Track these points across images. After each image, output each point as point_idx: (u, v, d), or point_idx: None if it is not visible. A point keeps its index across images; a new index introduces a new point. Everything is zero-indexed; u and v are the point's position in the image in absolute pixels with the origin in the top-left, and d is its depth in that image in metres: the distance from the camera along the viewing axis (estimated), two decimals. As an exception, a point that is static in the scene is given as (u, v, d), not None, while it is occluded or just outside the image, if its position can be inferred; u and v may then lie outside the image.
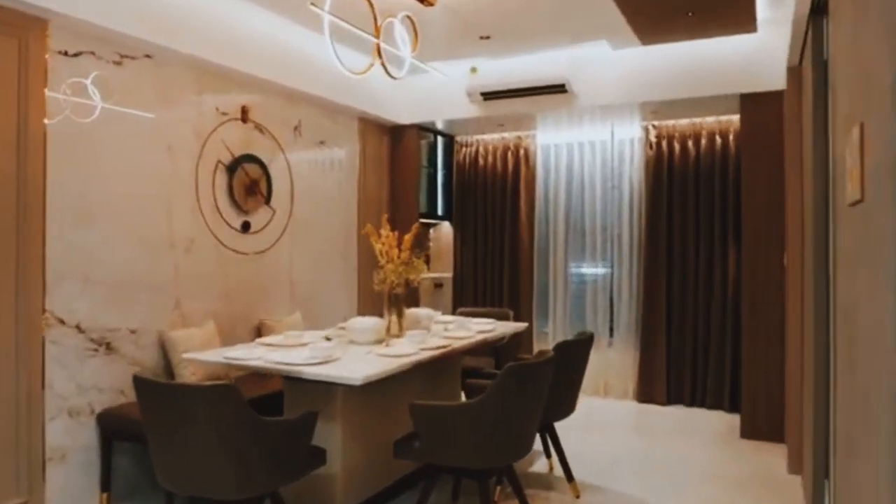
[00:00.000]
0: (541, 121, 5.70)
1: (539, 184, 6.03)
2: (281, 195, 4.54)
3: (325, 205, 5.00)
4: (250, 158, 4.24)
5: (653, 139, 5.53)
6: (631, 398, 5.66)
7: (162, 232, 3.69)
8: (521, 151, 6.04)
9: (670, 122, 5.49)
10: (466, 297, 6.23)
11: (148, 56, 3.59)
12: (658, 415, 5.23)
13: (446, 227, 6.40)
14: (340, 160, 5.18)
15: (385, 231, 3.64)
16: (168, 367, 3.63)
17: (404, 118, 5.68)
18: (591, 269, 5.86)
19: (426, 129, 5.92)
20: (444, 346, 3.26)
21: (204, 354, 3.09)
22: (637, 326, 5.66)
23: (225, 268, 4.10)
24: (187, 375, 3.58)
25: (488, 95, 5.17)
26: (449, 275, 6.30)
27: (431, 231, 6.43)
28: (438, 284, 6.08)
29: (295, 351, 3.04)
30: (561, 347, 3.32)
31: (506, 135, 6.11)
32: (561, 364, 3.17)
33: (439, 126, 5.95)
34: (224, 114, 4.09)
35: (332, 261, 5.08)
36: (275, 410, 3.23)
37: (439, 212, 6.27)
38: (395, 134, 5.81)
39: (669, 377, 5.46)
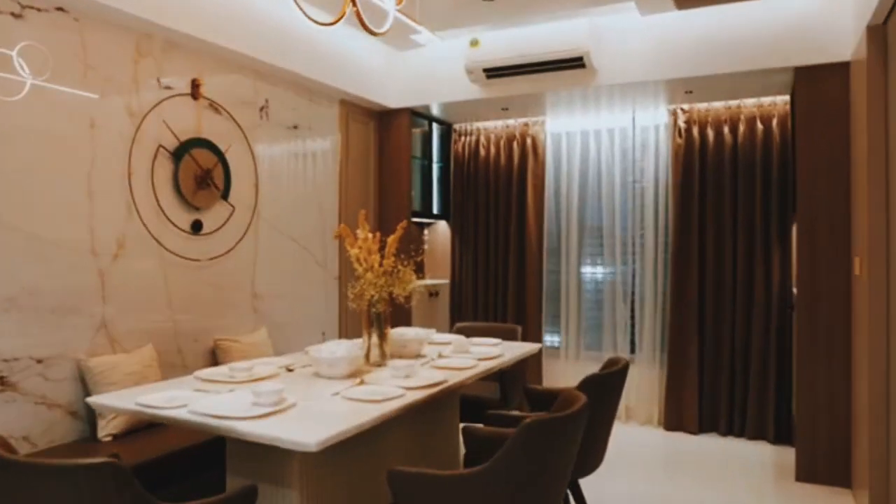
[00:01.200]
0: (551, 105, 4.93)
1: (549, 178, 5.27)
2: (242, 189, 3.76)
3: (298, 201, 4.23)
4: (201, 143, 3.47)
5: (682, 125, 4.76)
6: (656, 425, 4.90)
7: (80, 234, 2.91)
8: (529, 141, 5.27)
9: (703, 106, 4.73)
10: (466, 307, 5.46)
11: (60, 9, 2.82)
12: (689, 446, 4.46)
13: (443, 228, 5.64)
14: (318, 149, 4.41)
15: (363, 232, 2.87)
16: (90, 406, 2.86)
17: (394, 101, 4.91)
18: (609, 276, 5.09)
19: (419, 116, 5.16)
20: (436, 384, 2.49)
21: (109, 398, 2.31)
22: (663, 341, 4.90)
23: (168, 277, 3.32)
24: (105, 423, 2.81)
25: (492, 72, 4.40)
26: (446, 281, 5.53)
27: (426, 232, 5.66)
28: (433, 293, 5.31)
29: (237, 394, 2.27)
30: (591, 384, 2.56)
31: (510, 121, 5.35)
32: (589, 405, 2.40)
33: (434, 112, 5.19)
34: (168, 88, 3.32)
35: (306, 268, 4.31)
36: (219, 463, 2.47)
37: (435, 210, 5.50)
38: (384, 120, 5.04)
39: (702, 401, 4.70)
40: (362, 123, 4.88)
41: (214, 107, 3.58)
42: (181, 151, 3.35)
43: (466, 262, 5.47)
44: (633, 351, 5.03)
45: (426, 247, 5.65)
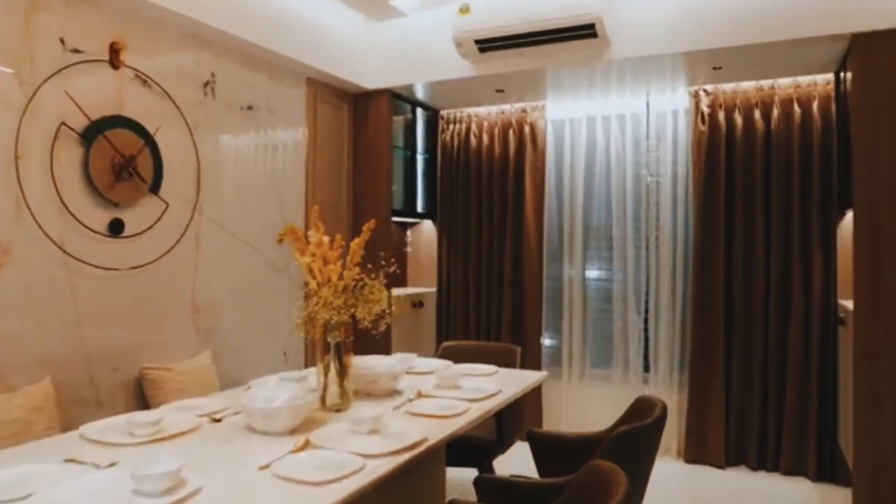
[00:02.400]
0: (552, 86, 4.26)
1: (550, 171, 4.59)
2: (179, 181, 3.06)
3: (253, 197, 3.53)
4: (122, 123, 2.77)
5: (705, 109, 4.10)
6: (675, 456, 4.23)
7: (-57, 236, 2.21)
8: (527, 129, 4.60)
9: (729, 87, 4.06)
10: (455, 320, 4.78)
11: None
12: (715, 483, 3.80)
13: (428, 228, 4.95)
14: (279, 135, 3.72)
15: (316, 234, 2.18)
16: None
17: (371, 81, 4.22)
18: (619, 284, 4.42)
19: (401, 99, 4.47)
20: (411, 447, 1.81)
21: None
22: (683, 359, 4.24)
23: (77, 291, 2.62)
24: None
25: (486, 44, 3.72)
26: (432, 289, 4.85)
27: (408, 233, 4.97)
28: (417, 303, 4.62)
29: (117, 474, 1.58)
30: (621, 443, 1.89)
31: (506, 107, 4.67)
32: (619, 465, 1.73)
33: (419, 95, 4.50)
34: (77, 51, 2.61)
35: (264, 276, 3.61)
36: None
37: (419, 207, 4.82)
38: (360, 103, 4.34)
39: (729, 429, 4.04)
40: (334, 107, 4.19)
41: (142, 79, 2.88)
42: (93, 132, 2.65)
43: (455, 268, 4.79)
44: (646, 369, 4.37)
45: (409, 250, 4.97)
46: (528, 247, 4.57)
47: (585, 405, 4.48)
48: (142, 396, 2.86)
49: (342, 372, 2.22)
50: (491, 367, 2.95)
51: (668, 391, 4.26)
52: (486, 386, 2.55)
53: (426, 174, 4.87)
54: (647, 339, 4.37)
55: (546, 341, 4.61)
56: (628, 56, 3.57)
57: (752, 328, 3.99)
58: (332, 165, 4.19)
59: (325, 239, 2.18)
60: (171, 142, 3.01)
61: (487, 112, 4.72)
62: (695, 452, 4.09)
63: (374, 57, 4.18)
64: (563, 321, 4.57)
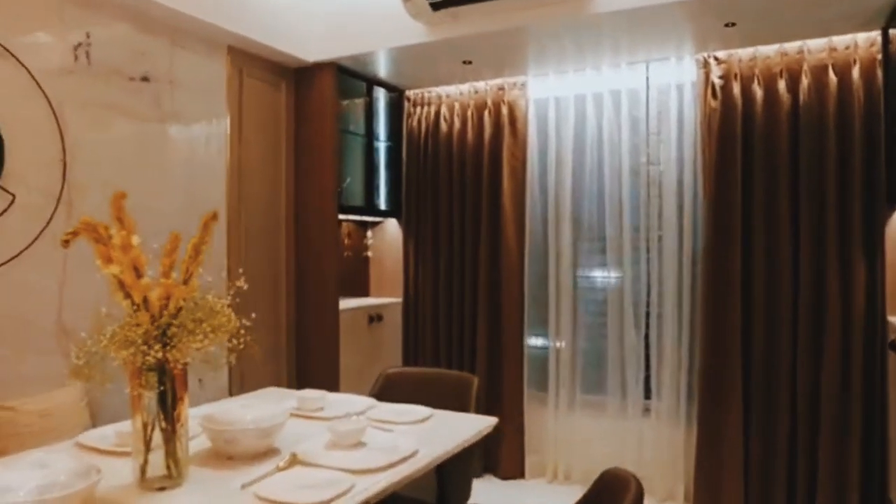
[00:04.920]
0: (534, 57, 3.55)
1: (532, 159, 3.86)
2: (33, 168, 2.41)
3: (151, 190, 2.87)
4: (-69, 89, 2.12)
5: (716, 81, 3.35)
6: (682, 502, 3.48)
7: None
8: (504, 110, 3.88)
9: (747, 53, 3.31)
10: (424, 335, 4.08)
11: None
12: (732, 545, 3.05)
13: (392, 228, 4.25)
14: (189, 114, 3.05)
15: (119, 234, 1.50)
16: None
17: (312, 52, 3.54)
18: (615, 294, 3.68)
19: (354, 76, 3.78)
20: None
21: None
22: (691, 385, 3.49)
23: None
24: None
25: (440, 2, 3.02)
26: (397, 300, 4.15)
27: (369, 234, 4.28)
28: (375, 317, 3.93)
29: None
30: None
31: (480, 85, 3.96)
32: None
33: (378, 72, 3.81)
34: None
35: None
36: None
37: (381, 204, 4.13)
38: (302, 80, 3.67)
39: (748, 473, 3.27)
40: (268, 83, 3.51)
41: (-29, 35, 2.23)
42: None
43: (424, 275, 4.09)
44: (647, 396, 3.62)
45: (370, 254, 4.28)
46: (506, 249, 3.85)
47: (576, 439, 3.75)
48: (-28, 445, 2.21)
49: (169, 431, 1.53)
50: (425, 410, 2.24)
51: (674, 424, 3.51)
52: (401, 443, 1.85)
53: (389, 165, 4.18)
54: (648, 361, 3.63)
55: (534, 344, 3.89)
56: (619, 7, 2.83)
57: (777, 351, 3.22)
58: (266, 155, 3.52)
59: (135, 240, 1.49)
60: (20, 118, 2.36)
61: (459, 92, 4.01)
62: (706, 499, 3.34)
63: (313, 23, 3.50)
64: (549, 337, 3.84)
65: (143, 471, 1.53)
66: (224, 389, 3.20)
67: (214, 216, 1.61)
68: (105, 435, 1.86)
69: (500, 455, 3.83)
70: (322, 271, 3.61)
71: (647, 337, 3.64)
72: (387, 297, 4.19)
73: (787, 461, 3.19)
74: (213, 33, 3.08)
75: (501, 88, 3.89)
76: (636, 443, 3.60)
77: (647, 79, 3.61)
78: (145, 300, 1.50)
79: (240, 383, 3.28)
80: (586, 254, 3.80)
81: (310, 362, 3.65)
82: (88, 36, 2.59)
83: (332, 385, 3.55)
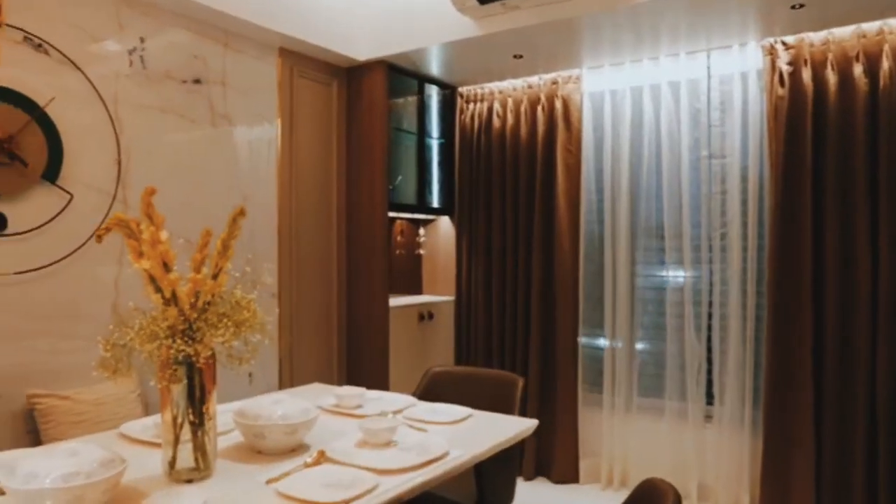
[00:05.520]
0: (588, 49, 3.44)
1: (587, 154, 3.75)
2: (90, 167, 2.51)
3: (206, 189, 2.95)
4: (-6, 94, 2.24)
5: (784, 67, 3.15)
6: (745, 516, 3.30)
7: None
8: (558, 104, 3.78)
9: (819, 37, 3.09)
10: (475, 335, 4.03)
11: None
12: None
13: (445, 226, 4.22)
14: (242, 116, 3.12)
15: (149, 229, 1.53)
16: None
17: (363, 50, 3.56)
18: (675, 294, 3.52)
19: (405, 73, 3.77)
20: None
21: None
22: (757, 389, 3.29)
23: (-66, 304, 2.11)
24: None
25: (487, -5, 2.97)
26: (450, 297, 4.12)
27: (421, 232, 4.26)
28: (426, 314, 3.90)
29: None
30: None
31: (533, 80, 3.87)
32: None
33: (431, 69, 3.79)
34: (-67, 6, 2.11)
35: (220, 282, 3.00)
36: None
37: (434, 202, 4.11)
38: (354, 79, 3.69)
39: (821, 483, 3.06)
40: (320, 83, 3.55)
41: (33, 41, 2.34)
42: (-48, 106, 2.13)
43: (477, 272, 4.04)
44: (709, 402, 3.44)
45: (423, 252, 4.26)
46: (561, 247, 3.75)
47: (633, 443, 3.61)
48: (35, 432, 2.32)
49: (198, 424, 1.56)
50: (463, 410, 2.20)
51: (738, 430, 3.33)
52: (433, 444, 1.81)
53: (442, 163, 4.15)
54: (710, 364, 3.45)
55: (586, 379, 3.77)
56: (672, -6, 2.71)
57: (853, 353, 2.99)
58: (318, 155, 3.56)
59: (163, 235, 1.52)
60: (78, 120, 2.46)
61: (512, 87, 3.93)
62: (772, 513, 3.14)
63: (363, 22, 3.51)
64: (605, 339, 3.72)
65: (171, 463, 1.55)
66: (274, 385, 3.25)
67: (242, 212, 1.62)
68: (146, 426, 1.91)
69: (553, 458, 3.74)
70: (372, 269, 3.62)
71: (709, 339, 3.46)
72: (440, 294, 4.16)
73: (864, 471, 2.95)
74: (264, 35, 3.13)
75: (555, 82, 3.79)
76: (697, 450, 3.43)
77: (709, 68, 3.43)
78: (174, 294, 1.52)
79: (290, 379, 3.34)
80: (644, 251, 3.65)
81: (360, 359, 3.67)
82: (143, 41, 2.68)
83: (382, 382, 3.55)
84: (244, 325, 1.53)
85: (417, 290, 4.22)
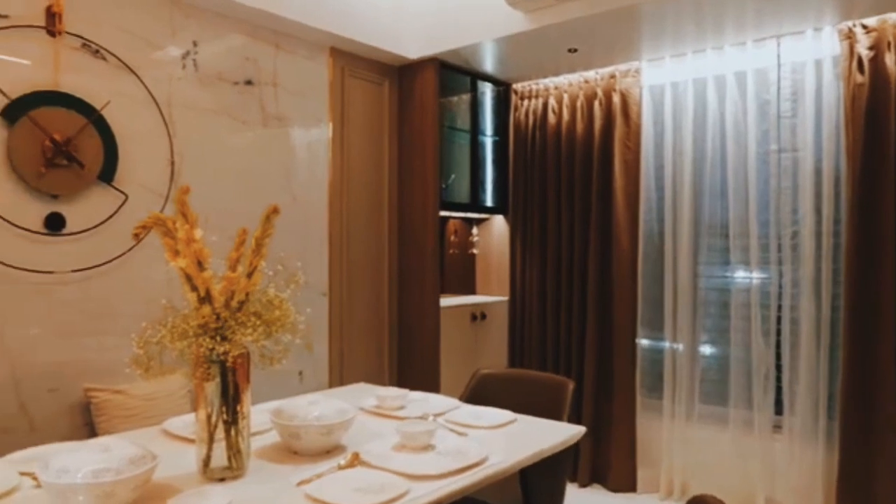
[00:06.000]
0: (648, 40, 3.29)
1: (646, 150, 3.60)
2: (144, 168, 2.58)
3: (257, 188, 2.98)
4: (54, 99, 2.32)
5: (863, 53, 2.92)
6: (818, 534, 3.08)
7: None
8: (616, 99, 3.64)
9: (900, 18, 2.86)
10: (530, 336, 3.94)
11: None
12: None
13: (499, 225, 4.15)
14: (292, 116, 3.15)
15: (183, 227, 1.53)
16: None
17: (413, 48, 3.53)
18: (741, 296, 3.33)
19: (457, 70, 3.72)
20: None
21: None
22: (832, 399, 3.07)
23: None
24: None
25: (537, -13, 2.88)
26: (503, 298, 4.04)
27: (475, 231, 4.20)
28: (479, 315, 3.84)
29: None
30: None
31: (590, 74, 3.74)
32: None
33: (484, 66, 3.73)
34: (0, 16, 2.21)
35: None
36: None
37: (488, 201, 4.04)
38: (405, 77, 3.67)
39: (901, 507, 2.83)
40: (371, 83, 3.55)
41: (91, 48, 2.42)
42: (15, 112, 2.22)
43: (531, 272, 3.95)
44: (779, 411, 3.24)
45: (476, 251, 4.19)
46: (618, 246, 3.62)
47: (694, 453, 3.44)
48: (89, 424, 2.40)
49: (232, 422, 1.55)
50: (507, 415, 2.13)
51: (811, 443, 3.11)
52: (471, 449, 1.75)
53: (496, 161, 4.07)
54: (779, 371, 3.24)
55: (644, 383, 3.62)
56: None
57: (938, 364, 2.74)
58: (369, 154, 3.55)
59: (198, 233, 1.52)
60: (133, 123, 2.53)
61: (568, 82, 3.82)
62: (848, 534, 2.92)
63: (414, 20, 3.48)
64: (665, 341, 3.56)
65: (205, 461, 1.55)
66: (324, 384, 3.27)
67: (276, 210, 1.61)
68: (187, 423, 1.92)
69: (609, 465, 3.61)
70: (423, 268, 3.59)
71: (778, 344, 3.25)
72: (494, 295, 4.09)
73: (951, 496, 2.71)
74: (315, 36, 3.15)
75: (612, 76, 3.65)
76: (764, 463, 3.23)
77: (779, 56, 3.23)
78: (208, 293, 1.52)
79: (340, 378, 3.34)
80: (707, 251, 3.47)
81: (411, 360, 3.64)
82: (195, 44, 2.74)
83: (433, 383, 3.51)
84: (275, 324, 1.51)
85: (471, 290, 4.16)
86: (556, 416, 2.34)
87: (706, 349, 3.48)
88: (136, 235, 1.51)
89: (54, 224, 2.32)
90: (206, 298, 1.54)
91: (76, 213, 2.38)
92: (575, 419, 3.61)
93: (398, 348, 3.67)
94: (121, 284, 2.50)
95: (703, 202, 3.46)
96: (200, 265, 1.52)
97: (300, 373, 3.18)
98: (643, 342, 3.62)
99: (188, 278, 1.55)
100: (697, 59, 3.41)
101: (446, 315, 3.58)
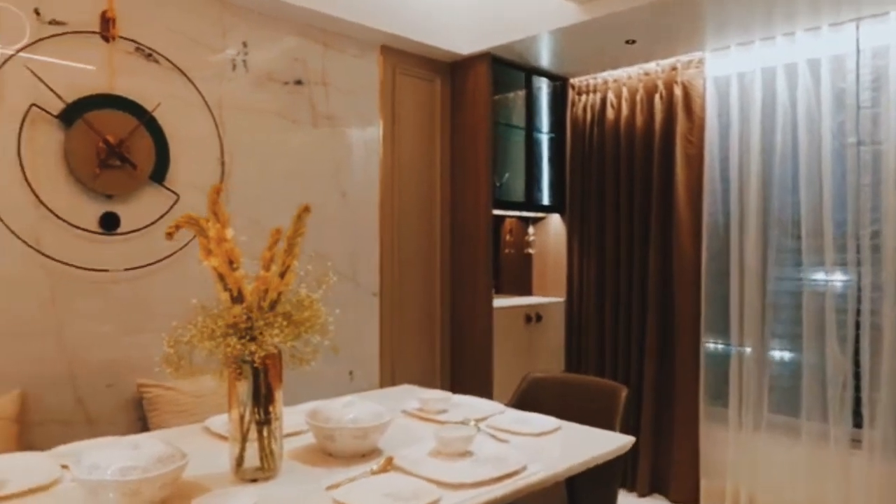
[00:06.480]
0: (713, 28, 3.12)
1: (711, 145, 3.41)
2: (195, 168, 2.62)
3: (306, 187, 2.99)
4: (108, 102, 2.38)
5: (953, 34, 2.66)
6: (901, 560, 2.83)
7: None
8: (678, 91, 3.47)
9: None
10: (587, 339, 3.81)
11: None
12: None
13: (556, 224, 4.03)
14: (342, 115, 3.14)
15: (214, 227, 1.52)
16: None
17: (465, 44, 3.46)
18: (815, 299, 3.11)
19: (511, 66, 3.63)
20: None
21: None
22: (915, 415, 2.82)
23: (58, 295, 2.28)
24: None
25: (591, -24, 2.77)
26: (560, 299, 3.93)
27: (531, 230, 4.10)
28: (534, 316, 3.73)
29: None
30: None
31: (651, 66, 3.58)
32: None
33: (539, 61, 3.63)
34: (57, 22, 2.28)
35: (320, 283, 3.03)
36: None
37: (544, 199, 3.93)
38: (456, 74, 3.61)
39: None
40: (423, 80, 3.51)
41: (144, 51, 2.48)
42: (71, 114, 2.29)
43: (589, 273, 3.82)
44: (857, 424, 3.00)
45: (532, 251, 4.09)
46: (680, 245, 3.45)
47: (762, 466, 3.23)
48: (142, 418, 2.46)
49: (265, 422, 1.53)
50: (552, 422, 2.04)
51: (893, 459, 2.87)
52: (511, 457, 1.68)
53: (553, 158, 3.96)
54: (858, 381, 3.01)
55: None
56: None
57: None
58: (421, 152, 3.51)
59: (229, 233, 1.51)
60: (185, 124, 2.58)
61: (627, 75, 3.67)
62: (935, 561, 2.67)
63: (465, 15, 3.41)
64: (731, 346, 3.36)
65: (237, 461, 1.54)
66: (375, 384, 3.25)
67: (307, 209, 1.58)
68: (227, 422, 1.92)
69: (670, 475, 3.44)
70: (475, 268, 3.53)
71: (856, 352, 3.02)
72: (550, 296, 3.98)
73: None
74: (365, 34, 3.13)
75: (674, 68, 3.48)
76: (841, 479, 3.00)
77: (857, 41, 2.99)
78: (240, 292, 1.51)
79: (391, 378, 3.32)
80: (777, 251, 3.25)
81: (463, 361, 3.58)
82: (245, 45, 2.77)
83: (485, 385, 3.45)
84: (303, 325, 1.48)
85: (527, 291, 4.07)
86: (608, 423, 2.23)
87: (776, 355, 3.27)
88: (170, 235, 1.51)
89: (109, 223, 2.39)
90: (238, 298, 1.52)
91: (130, 213, 2.44)
92: (634, 425, 3.51)
93: (450, 349, 3.62)
94: (172, 283, 2.54)
95: (771, 199, 3.25)
96: (232, 264, 1.51)
97: (351, 372, 3.17)
98: (707, 346, 3.43)
99: (220, 277, 1.54)
100: (766, 47, 3.20)
101: (500, 316, 3.50)
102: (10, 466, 1.54)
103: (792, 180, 3.19)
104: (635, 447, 3.45)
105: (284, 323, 1.44)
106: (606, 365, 3.69)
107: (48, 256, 2.26)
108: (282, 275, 1.57)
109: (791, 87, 3.16)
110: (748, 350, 3.29)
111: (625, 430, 2.21)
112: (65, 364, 2.32)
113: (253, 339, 1.44)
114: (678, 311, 3.45)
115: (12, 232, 2.19)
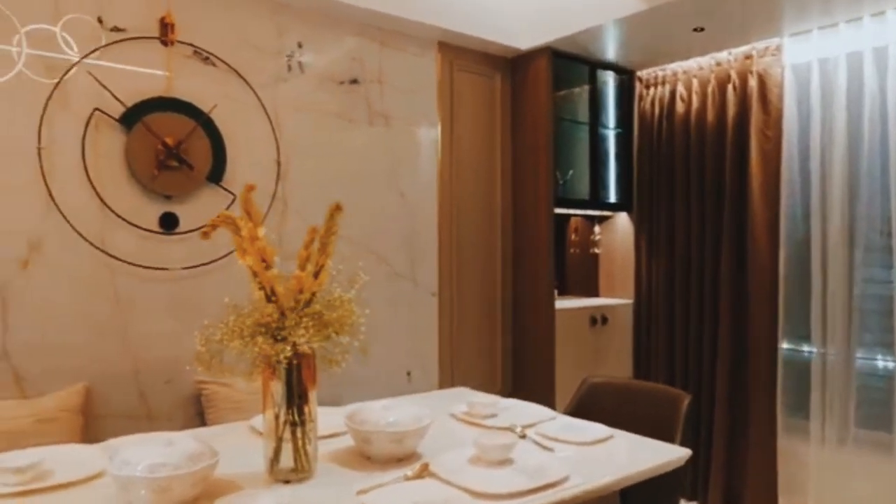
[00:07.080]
0: (791, 10, 2.90)
1: (789, 138, 3.18)
2: (252, 169, 2.66)
3: (363, 187, 2.99)
4: (166, 105, 2.44)
5: None
6: None
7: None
8: (752, 82, 3.25)
9: None
10: (656, 342, 3.63)
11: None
12: None
13: (623, 223, 3.87)
14: (399, 113, 3.12)
15: (246, 225, 1.52)
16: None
17: (524, 39, 3.37)
18: (908, 304, 2.83)
19: (574, 59, 3.51)
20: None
21: None
22: None
23: (121, 293, 2.37)
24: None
25: (654, -39, 2.62)
26: (627, 300, 3.77)
27: (597, 229, 3.95)
28: (599, 318, 3.59)
29: None
30: None
31: (722, 55, 3.37)
32: None
33: (603, 54, 3.50)
34: (118, 29, 2.36)
35: (377, 281, 3.02)
36: None
37: (610, 197, 3.78)
38: (516, 69, 3.52)
39: None
40: (482, 76, 3.44)
41: (201, 55, 2.54)
42: (132, 117, 2.36)
43: (658, 273, 3.64)
44: (958, 443, 2.71)
45: (600, 250, 3.94)
46: (755, 245, 3.23)
47: (848, 485, 2.98)
48: (200, 414, 2.52)
49: (298, 422, 1.52)
50: (604, 430, 1.93)
51: None
52: (553, 467, 1.59)
53: (619, 155, 3.81)
54: (959, 395, 2.72)
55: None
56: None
57: None
58: (480, 150, 3.45)
59: (261, 231, 1.50)
60: (241, 125, 2.62)
61: (698, 66, 3.47)
62: None
63: (524, 9, 3.32)
64: (812, 354, 3.12)
65: (272, 462, 1.53)
66: (434, 385, 3.21)
67: (338, 207, 1.55)
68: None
69: (745, 490, 3.23)
70: (537, 269, 3.43)
71: (957, 363, 2.73)
72: (617, 297, 3.82)
73: None
74: (422, 31, 3.10)
75: (748, 57, 3.26)
76: (938, 502, 2.73)
77: (959, 18, 2.71)
78: (273, 291, 1.50)
79: (450, 380, 3.27)
80: (865, 251, 2.99)
81: (524, 364, 3.49)
82: (300, 45, 2.79)
83: (547, 389, 3.35)
84: (332, 325, 1.45)
85: (594, 292, 3.93)
86: (668, 432, 2.10)
87: (863, 364, 3.01)
88: (206, 234, 1.51)
89: (168, 223, 2.46)
90: (271, 297, 1.51)
91: (188, 213, 2.50)
92: (706, 436, 3.31)
93: (512, 351, 3.54)
94: (228, 281, 2.58)
95: (858, 195, 2.99)
96: (265, 263, 1.50)
97: (408, 373, 3.15)
98: (786, 354, 3.20)
99: (255, 276, 1.53)
100: (852, 30, 2.95)
101: (563, 318, 3.39)
102: (60, 458, 1.59)
103: (881, 176, 2.92)
104: (707, 459, 3.31)
105: (311, 323, 1.41)
106: (676, 370, 3.51)
107: (113, 256, 2.34)
108: (315, 274, 1.55)
109: (881, 73, 2.90)
110: (832, 358, 3.04)
111: (689, 441, 2.08)
112: (129, 361, 2.40)
113: (283, 339, 1.42)
114: (753, 315, 3.23)
115: (79, 234, 2.28)
